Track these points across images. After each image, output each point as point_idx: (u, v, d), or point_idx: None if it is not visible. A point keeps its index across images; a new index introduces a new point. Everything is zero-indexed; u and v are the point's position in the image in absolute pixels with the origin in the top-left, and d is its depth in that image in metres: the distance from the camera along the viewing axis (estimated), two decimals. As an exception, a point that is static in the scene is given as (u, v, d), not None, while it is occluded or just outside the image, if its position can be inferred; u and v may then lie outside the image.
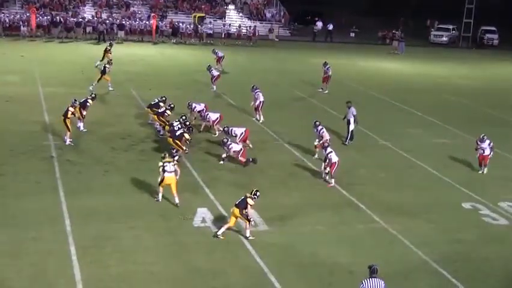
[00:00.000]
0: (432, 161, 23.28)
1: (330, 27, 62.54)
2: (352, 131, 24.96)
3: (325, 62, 35.51)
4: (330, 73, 34.89)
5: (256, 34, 56.03)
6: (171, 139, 21.13)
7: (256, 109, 27.50)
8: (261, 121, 27.04)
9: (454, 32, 68.81)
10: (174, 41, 52.70)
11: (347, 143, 24.90)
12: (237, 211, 15.69)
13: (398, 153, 24.26)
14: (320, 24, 64.58)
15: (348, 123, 25.01)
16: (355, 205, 18.80)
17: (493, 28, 69.90)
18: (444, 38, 67.45)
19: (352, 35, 66.25)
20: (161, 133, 23.82)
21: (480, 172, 22.54)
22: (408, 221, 17.80)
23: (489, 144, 22.58)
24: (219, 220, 16.78)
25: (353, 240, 16.41)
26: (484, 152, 22.48)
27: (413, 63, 50.96)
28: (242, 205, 15.67)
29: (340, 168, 20.62)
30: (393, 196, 19.79)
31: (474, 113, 33.36)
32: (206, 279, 13.88)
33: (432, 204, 19.29)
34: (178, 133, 21.21)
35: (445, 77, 45.27)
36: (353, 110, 24.97)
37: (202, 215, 17.06)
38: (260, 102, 27.33)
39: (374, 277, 11.78)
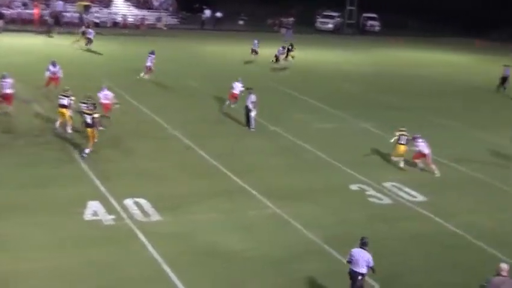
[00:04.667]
0: (321, 145, 23.89)
1: (219, 14, 62.69)
2: (253, 117, 25.31)
3: (152, 51, 34.40)
4: (149, 63, 33.71)
5: (144, 23, 55.30)
6: (90, 128, 20.61)
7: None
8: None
9: (338, 19, 70.75)
10: (58, 30, 51.03)
11: (254, 129, 25.31)
12: None
13: (288, 139, 24.73)
14: (208, 12, 64.60)
15: (247, 109, 25.35)
16: (247, 191, 19.01)
17: (375, 15, 72.46)
18: (330, 25, 69.24)
19: (241, 22, 66.64)
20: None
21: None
22: (299, 205, 18.21)
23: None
24: (111, 212, 16.54)
25: (247, 227, 16.62)
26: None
27: (302, 50, 51.74)
28: None
29: (232, 155, 20.79)
30: (284, 181, 20.18)
31: (361, 97, 34.53)
32: (102, 273, 13.65)
33: (322, 187, 19.84)
34: (88, 120, 20.58)
35: (334, 62, 46.49)
36: (253, 97, 25.36)
37: (93, 208, 16.74)
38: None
39: (363, 248, 12.77)
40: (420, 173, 21.85)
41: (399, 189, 20.06)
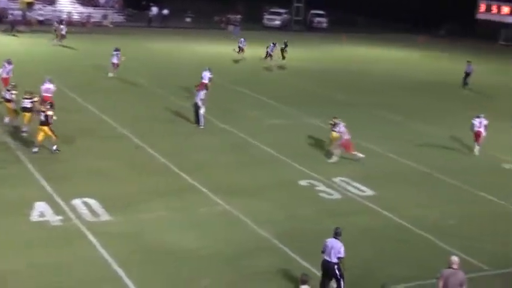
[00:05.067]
0: (271, 142, 23.98)
1: (165, 12, 62.31)
2: (202, 114, 25.24)
3: (116, 48, 34.39)
4: (115, 61, 33.76)
5: (90, 21, 54.55)
6: (44, 126, 20.48)
7: None
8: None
9: (286, 15, 71.10)
10: (3, 29, 49.80)
11: (202, 126, 25.20)
12: None
13: (238, 136, 24.74)
14: (155, 9, 64.08)
15: (196, 106, 25.28)
16: (197, 189, 18.94)
17: (322, 12, 73.04)
18: (277, 22, 69.48)
19: (188, 20, 66.30)
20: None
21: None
22: (249, 202, 18.24)
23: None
24: (59, 213, 16.26)
25: (198, 224, 16.57)
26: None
27: (250, 47, 51.74)
28: None
29: (181, 153, 20.69)
30: (234, 178, 20.19)
31: (311, 93, 34.77)
32: (50, 275, 13.42)
33: (272, 183, 19.91)
34: (42, 118, 20.51)
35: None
36: (201, 93, 25.39)
37: (40, 209, 16.42)
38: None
39: (336, 238, 13.10)
40: (368, 167, 22.13)
41: (348, 183, 20.29)
